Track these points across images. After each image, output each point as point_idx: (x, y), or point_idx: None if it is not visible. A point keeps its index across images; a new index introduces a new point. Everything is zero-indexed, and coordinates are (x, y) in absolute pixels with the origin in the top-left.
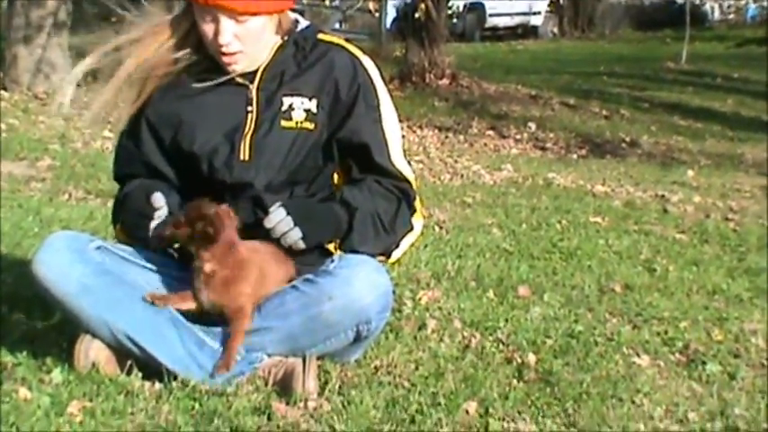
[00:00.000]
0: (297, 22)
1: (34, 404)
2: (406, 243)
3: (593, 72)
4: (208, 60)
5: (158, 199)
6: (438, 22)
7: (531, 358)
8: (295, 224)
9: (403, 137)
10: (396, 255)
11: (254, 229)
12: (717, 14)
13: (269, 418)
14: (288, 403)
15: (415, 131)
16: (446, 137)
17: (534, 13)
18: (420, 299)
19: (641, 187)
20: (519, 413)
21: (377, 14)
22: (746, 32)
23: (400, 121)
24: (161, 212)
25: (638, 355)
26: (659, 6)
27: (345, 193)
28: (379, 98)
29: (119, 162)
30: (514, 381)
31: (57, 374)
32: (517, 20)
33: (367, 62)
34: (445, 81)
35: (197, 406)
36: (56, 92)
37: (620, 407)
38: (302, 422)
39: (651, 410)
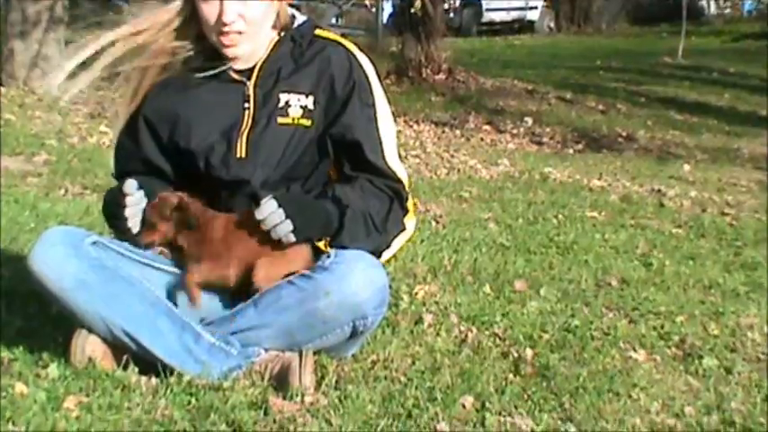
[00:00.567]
0: (294, 17)
1: (30, 399)
2: (397, 244)
3: (589, 67)
4: (206, 53)
5: (129, 185)
6: (434, 17)
7: (528, 353)
8: (286, 217)
9: (399, 132)
10: (386, 255)
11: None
12: (713, 9)
13: (265, 413)
14: (284, 398)
15: (411, 126)
16: (443, 132)
17: (531, 8)
18: (416, 293)
19: (638, 182)
20: (515, 407)
21: (373, 9)
22: (743, 27)
23: (397, 116)
24: (133, 198)
25: (634, 349)
26: (655, 1)
27: (337, 190)
28: (374, 96)
29: (118, 160)
30: (511, 375)
31: (53, 369)
32: (514, 15)
33: (363, 59)
34: (442, 76)
35: (193, 401)
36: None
37: (616, 401)
38: (299, 417)
39: (648, 405)
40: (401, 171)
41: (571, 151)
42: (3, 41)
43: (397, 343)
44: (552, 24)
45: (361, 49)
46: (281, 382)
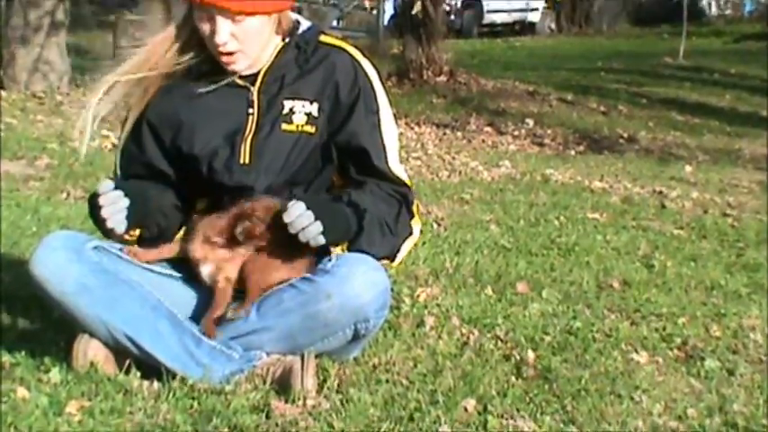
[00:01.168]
0: (298, 22)
1: (32, 404)
2: (406, 247)
3: (590, 68)
4: (210, 61)
5: (103, 186)
6: (435, 18)
7: (530, 355)
8: (316, 218)
9: (401, 134)
10: (398, 258)
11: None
12: (714, 10)
13: (267, 417)
14: (286, 401)
15: (412, 128)
16: (444, 133)
17: (532, 10)
18: (418, 296)
19: (639, 183)
20: (517, 410)
21: (374, 12)
22: (744, 28)
23: (398, 118)
24: (107, 198)
25: (636, 351)
26: (656, 2)
27: (353, 195)
28: (378, 103)
29: (121, 164)
30: (513, 378)
31: (55, 374)
32: (515, 16)
33: (368, 66)
34: (443, 78)
35: (195, 405)
36: (76, 127)
37: (618, 403)
38: (301, 420)
39: (650, 407)
40: (404, 175)
41: (572, 153)
42: (4, 45)
43: (398, 346)
44: (553, 25)
45: (365, 55)
46: (282, 385)
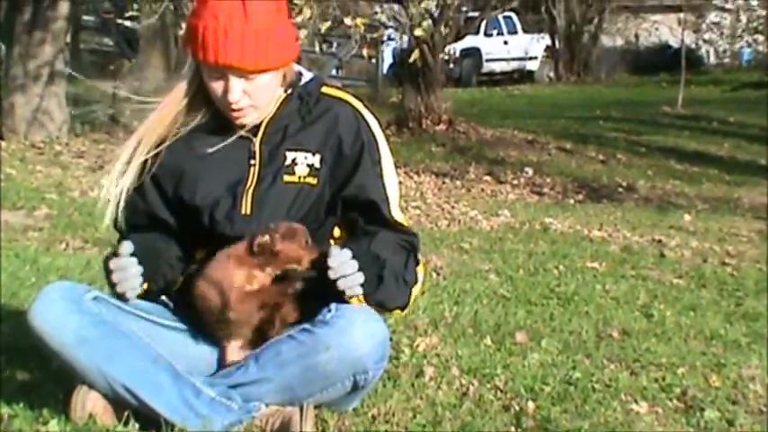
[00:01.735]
0: (300, 73)
1: None
2: (413, 295)
3: (589, 116)
4: (216, 115)
5: (124, 247)
6: (434, 67)
7: (530, 405)
8: (359, 269)
9: (400, 183)
10: (408, 307)
11: None
12: (712, 58)
13: None
14: None
15: (412, 177)
16: (443, 182)
17: (530, 58)
18: (417, 346)
19: (638, 232)
20: None
21: (373, 60)
22: (742, 76)
23: (397, 166)
24: (118, 263)
25: (636, 401)
26: (655, 50)
27: (373, 245)
28: (380, 153)
29: (125, 215)
30: (513, 428)
31: (53, 425)
32: (513, 65)
33: (370, 117)
34: (442, 126)
35: None
36: (101, 198)
37: None
38: None
39: None
40: (407, 223)
41: (572, 201)
42: (3, 95)
43: (398, 396)
44: (552, 74)
45: (366, 105)
46: None
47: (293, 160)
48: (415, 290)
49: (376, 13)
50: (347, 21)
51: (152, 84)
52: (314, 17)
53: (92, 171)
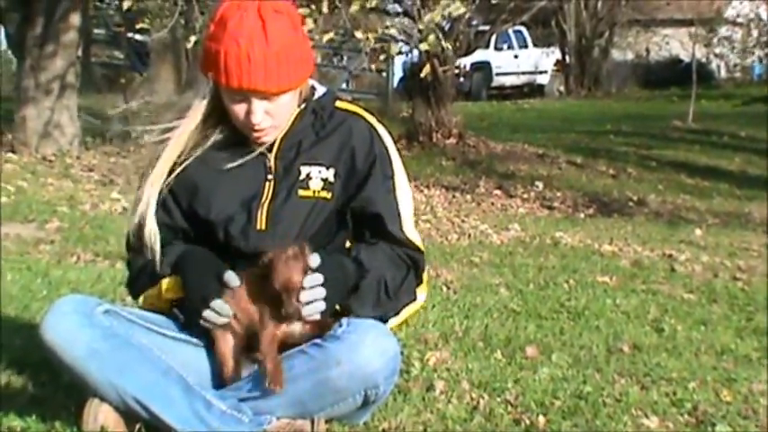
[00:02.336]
0: (314, 88)
1: None
2: (405, 312)
3: (599, 131)
4: (230, 130)
5: (233, 279)
6: (444, 81)
7: (540, 420)
8: (324, 299)
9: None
10: (392, 322)
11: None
12: (723, 73)
13: None
14: None
15: (422, 191)
16: (453, 196)
17: (541, 72)
18: (428, 360)
19: (649, 246)
20: None
21: (383, 74)
22: (753, 91)
23: (407, 180)
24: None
25: (646, 416)
26: (665, 65)
27: (361, 253)
28: (393, 168)
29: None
30: None
31: None
32: (524, 78)
33: (383, 132)
34: (452, 140)
35: None
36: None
37: None
38: None
39: None
40: (419, 240)
41: (582, 216)
42: (15, 109)
43: (408, 410)
44: (562, 88)
45: (379, 120)
46: None
47: (308, 175)
48: (410, 308)
49: (387, 27)
50: (358, 34)
51: (162, 97)
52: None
53: (102, 184)
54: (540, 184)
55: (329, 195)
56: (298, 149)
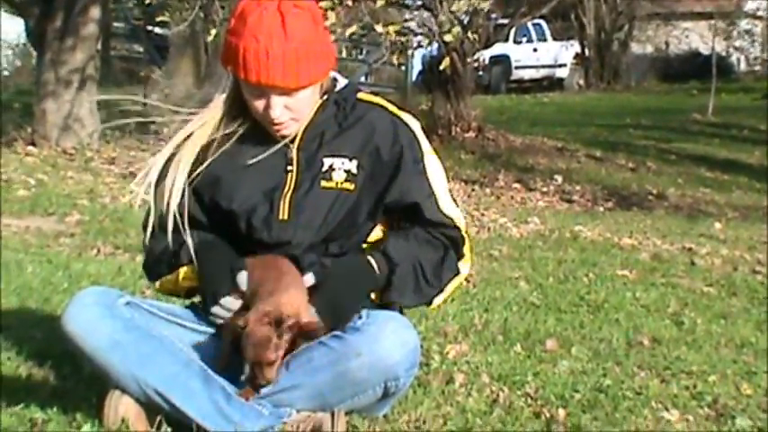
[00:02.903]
0: (335, 80)
1: None
2: (450, 287)
3: (619, 124)
4: (252, 123)
5: (243, 282)
6: (463, 74)
7: (560, 413)
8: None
9: None
10: (437, 300)
11: None
12: (743, 66)
13: None
14: None
15: None
16: (472, 190)
17: (560, 65)
18: (448, 353)
19: (668, 240)
20: None
21: (403, 68)
22: None
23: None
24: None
25: (666, 409)
26: (685, 58)
27: (390, 245)
28: (422, 150)
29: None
30: None
31: (86, 430)
32: (543, 72)
33: (407, 118)
34: (471, 134)
35: None
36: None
37: None
38: None
39: None
40: (457, 214)
41: (601, 209)
42: (35, 102)
43: (428, 403)
44: (581, 81)
45: (401, 107)
46: None
47: (330, 166)
48: (454, 283)
49: (406, 20)
50: (378, 28)
51: (182, 90)
52: (338, 23)
53: (122, 177)
54: (559, 178)
55: (352, 187)
56: (320, 141)
